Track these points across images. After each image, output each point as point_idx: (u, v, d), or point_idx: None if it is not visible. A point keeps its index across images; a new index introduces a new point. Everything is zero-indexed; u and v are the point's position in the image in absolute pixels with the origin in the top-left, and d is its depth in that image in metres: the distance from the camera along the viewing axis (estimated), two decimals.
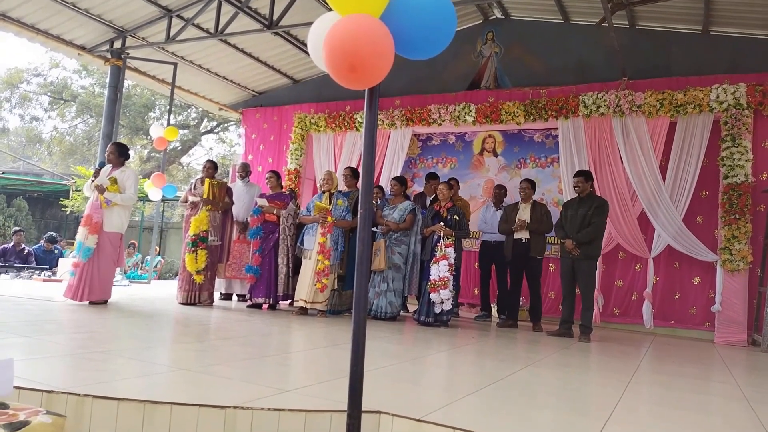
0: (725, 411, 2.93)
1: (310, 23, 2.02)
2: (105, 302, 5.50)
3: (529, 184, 6.49)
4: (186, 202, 6.48)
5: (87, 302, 5.33)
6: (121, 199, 5.48)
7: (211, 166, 6.54)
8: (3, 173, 14.78)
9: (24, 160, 23.09)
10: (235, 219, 6.77)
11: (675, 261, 6.88)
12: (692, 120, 6.74)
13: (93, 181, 5.41)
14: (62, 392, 2.16)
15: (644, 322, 6.75)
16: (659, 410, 2.79)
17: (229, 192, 6.52)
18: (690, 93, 6.68)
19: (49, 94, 22.74)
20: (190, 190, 6.49)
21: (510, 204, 6.70)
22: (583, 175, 5.84)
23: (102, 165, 5.56)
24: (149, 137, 15.42)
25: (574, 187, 5.86)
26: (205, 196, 6.19)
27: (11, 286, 6.80)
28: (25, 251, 9.38)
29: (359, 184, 6.40)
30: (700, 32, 7.24)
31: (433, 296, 5.61)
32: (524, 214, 6.32)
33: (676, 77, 6.98)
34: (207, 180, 6.31)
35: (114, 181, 5.47)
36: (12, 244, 9.43)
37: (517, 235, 6.31)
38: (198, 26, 8.34)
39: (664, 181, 6.74)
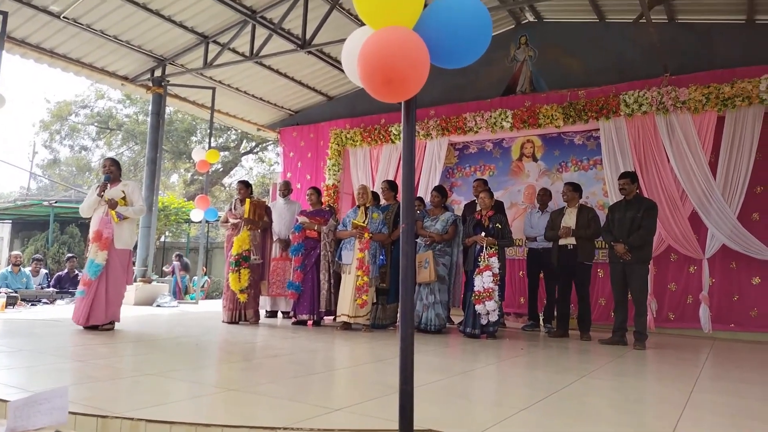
0: None
1: (343, 40, 2.02)
2: (112, 325, 5.18)
3: (572, 188, 6.30)
4: (226, 222, 6.56)
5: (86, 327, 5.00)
6: (133, 212, 5.35)
7: (243, 187, 6.60)
8: (56, 202, 15.38)
9: (75, 188, 24.03)
10: (277, 236, 6.83)
11: (731, 261, 6.57)
12: (741, 113, 6.46)
13: (101, 197, 5.23)
14: (116, 417, 2.19)
15: (702, 326, 6.45)
16: (727, 421, 2.63)
17: (268, 211, 6.59)
18: (738, 85, 6.41)
19: (96, 124, 23.70)
20: (230, 210, 6.57)
21: (556, 210, 6.51)
22: (629, 177, 5.65)
23: (108, 180, 5.35)
24: (192, 161, 15.84)
25: (620, 189, 5.68)
26: (245, 216, 6.27)
27: (66, 311, 7.01)
28: (78, 277, 9.69)
29: (398, 197, 6.39)
30: (744, 22, 6.96)
31: (479, 308, 5.50)
32: (570, 219, 6.14)
33: (721, 70, 6.70)
34: (247, 200, 6.39)
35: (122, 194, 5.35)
36: (66, 271, 9.77)
37: (562, 242, 6.13)
38: (234, 50, 8.54)
39: (715, 179, 6.46)
